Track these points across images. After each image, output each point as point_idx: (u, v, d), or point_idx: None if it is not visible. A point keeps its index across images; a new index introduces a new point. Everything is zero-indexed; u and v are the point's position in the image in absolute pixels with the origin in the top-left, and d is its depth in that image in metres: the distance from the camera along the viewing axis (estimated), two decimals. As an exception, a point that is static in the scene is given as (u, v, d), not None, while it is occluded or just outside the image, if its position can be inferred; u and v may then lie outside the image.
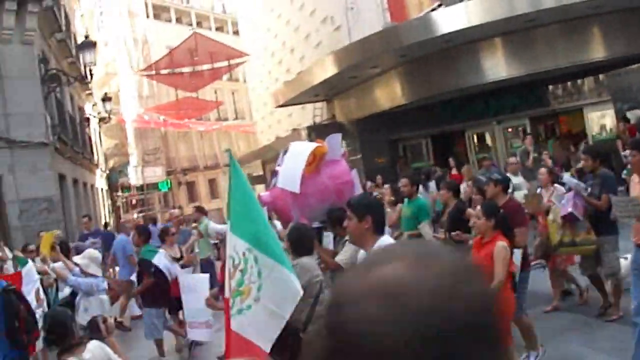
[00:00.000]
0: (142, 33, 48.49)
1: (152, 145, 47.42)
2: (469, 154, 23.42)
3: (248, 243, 4.78)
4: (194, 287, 7.92)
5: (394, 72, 22.04)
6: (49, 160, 16.59)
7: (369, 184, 17.07)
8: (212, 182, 53.43)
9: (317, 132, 23.97)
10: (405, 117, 22.71)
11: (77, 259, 8.19)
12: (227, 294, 4.85)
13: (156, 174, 46.73)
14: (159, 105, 41.54)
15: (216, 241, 13.09)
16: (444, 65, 19.89)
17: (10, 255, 13.48)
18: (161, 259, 9.43)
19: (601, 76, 20.11)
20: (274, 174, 8.76)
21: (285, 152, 8.67)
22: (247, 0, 41.70)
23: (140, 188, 44.85)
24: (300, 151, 8.37)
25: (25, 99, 15.98)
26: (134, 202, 39.44)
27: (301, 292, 4.69)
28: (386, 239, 4.31)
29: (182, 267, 10.19)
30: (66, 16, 23.14)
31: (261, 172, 41.40)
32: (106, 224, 22.58)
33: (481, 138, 24.14)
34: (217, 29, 53.14)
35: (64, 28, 20.14)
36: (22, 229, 15.28)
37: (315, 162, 8.10)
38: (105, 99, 27.43)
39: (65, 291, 8.89)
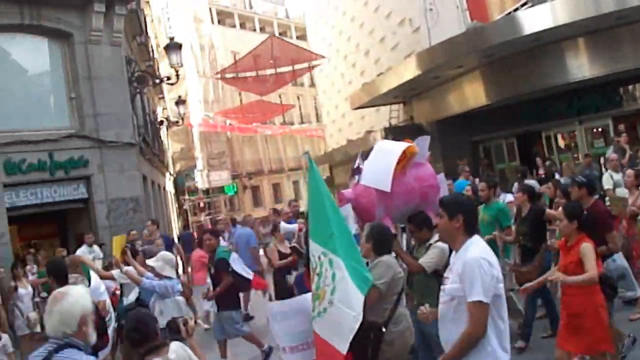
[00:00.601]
0: (208, 38, 48.74)
1: (217, 150, 47.56)
2: (551, 154, 22.57)
3: (323, 247, 4.99)
4: (288, 313, 7.26)
5: (477, 73, 21.52)
6: (136, 160, 16.45)
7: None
8: (276, 186, 53.36)
9: (394, 133, 23.58)
10: (486, 117, 22.15)
11: (151, 262, 7.87)
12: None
13: (221, 177, 46.84)
14: (228, 109, 41.64)
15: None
16: (528, 65, 19.34)
17: (101, 254, 13.37)
18: (235, 261, 9.41)
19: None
20: (355, 171, 8.30)
21: (364, 153, 8.36)
22: (316, 4, 41.48)
23: (206, 192, 45.01)
24: (391, 149, 7.99)
25: (114, 100, 15.84)
26: (201, 205, 39.48)
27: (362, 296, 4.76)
28: (476, 240, 4.19)
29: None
30: (145, 20, 23.19)
31: (328, 174, 41.18)
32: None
33: (562, 138, 23.22)
34: (281, 34, 53.02)
35: (144, 32, 20.13)
36: (109, 229, 15.11)
37: (404, 162, 7.83)
38: (179, 102, 27.45)
39: (131, 297, 8.56)
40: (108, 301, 8.31)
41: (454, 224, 4.16)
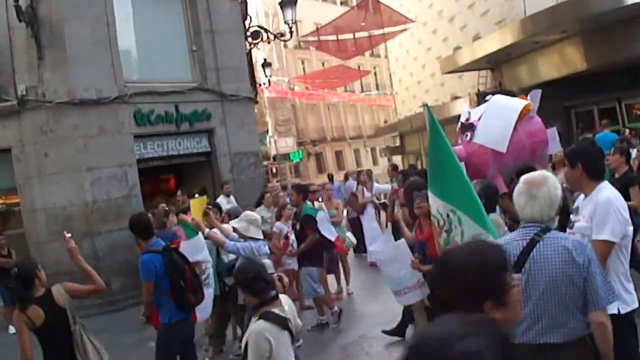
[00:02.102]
0: (272, 4, 48.05)
1: (283, 117, 47.21)
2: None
3: (451, 204, 4.94)
4: (394, 256, 6.95)
5: (577, 38, 20.88)
6: (254, 115, 16.14)
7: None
8: (338, 154, 52.99)
9: (482, 99, 22.92)
10: (579, 84, 21.43)
11: (234, 222, 7.44)
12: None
13: (287, 144, 46.53)
14: (308, 74, 41.20)
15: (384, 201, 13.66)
16: (629, 33, 18.77)
17: (232, 204, 12.97)
18: (322, 219, 9.17)
19: None
20: (465, 127, 7.77)
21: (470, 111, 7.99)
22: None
23: (273, 158, 44.76)
24: (509, 107, 7.77)
25: (233, 54, 15.54)
26: (273, 170, 39.19)
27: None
28: (606, 185, 4.36)
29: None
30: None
31: (398, 144, 40.61)
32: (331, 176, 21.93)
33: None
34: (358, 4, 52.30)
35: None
36: (232, 183, 14.83)
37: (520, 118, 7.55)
38: (266, 64, 27.03)
39: (231, 256, 8.07)
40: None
41: (576, 172, 4.37)
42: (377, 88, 55.28)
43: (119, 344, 8.82)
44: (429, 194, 5.34)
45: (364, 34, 24.84)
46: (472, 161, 6.97)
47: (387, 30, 24.46)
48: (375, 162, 52.62)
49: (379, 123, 52.84)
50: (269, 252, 7.54)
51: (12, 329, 11.63)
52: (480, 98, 23.82)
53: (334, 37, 24.15)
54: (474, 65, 25.18)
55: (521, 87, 23.77)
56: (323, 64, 46.50)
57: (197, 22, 14.95)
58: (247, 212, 7.61)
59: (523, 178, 3.75)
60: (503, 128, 7.34)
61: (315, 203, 11.38)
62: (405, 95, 40.75)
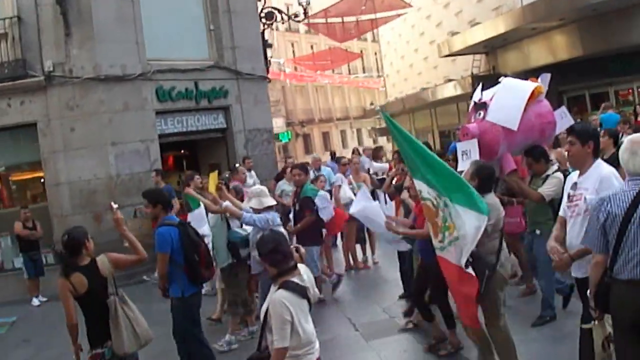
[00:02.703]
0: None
1: (273, 98, 47.16)
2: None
3: (433, 190, 5.38)
4: (373, 216, 7.77)
5: (573, 26, 21.43)
6: (267, 93, 16.38)
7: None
8: (325, 135, 53.26)
9: (479, 82, 23.31)
10: (572, 70, 21.85)
11: (245, 204, 7.68)
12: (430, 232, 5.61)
13: (277, 125, 46.57)
14: (303, 56, 41.30)
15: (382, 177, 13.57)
16: (622, 22, 19.51)
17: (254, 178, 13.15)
18: (321, 199, 9.25)
19: None
20: (478, 106, 8.07)
21: (483, 87, 8.21)
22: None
23: (263, 137, 44.85)
24: (521, 88, 7.83)
25: (249, 34, 15.77)
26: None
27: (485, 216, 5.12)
28: (601, 161, 4.69)
29: None
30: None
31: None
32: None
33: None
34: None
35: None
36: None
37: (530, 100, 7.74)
38: (267, 45, 27.06)
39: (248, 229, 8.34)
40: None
41: (586, 149, 4.61)
42: (364, 71, 55.56)
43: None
44: (415, 181, 5.69)
45: (368, 16, 25.09)
46: (484, 138, 7.18)
47: (384, 14, 24.73)
48: (360, 143, 52.92)
49: (365, 105, 53.21)
50: (281, 222, 7.70)
51: (35, 301, 11.89)
52: (475, 81, 24.33)
53: (339, 20, 24.33)
54: (471, 50, 25.61)
55: (515, 72, 24.27)
56: (312, 47, 46.66)
57: (215, 1, 15.11)
58: (252, 188, 7.87)
59: (629, 137, 4.15)
60: (514, 107, 7.53)
61: (342, 177, 11.73)
62: (396, 78, 41.11)
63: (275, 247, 4.13)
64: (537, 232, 6.93)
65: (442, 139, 30.99)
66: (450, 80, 28.47)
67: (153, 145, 13.59)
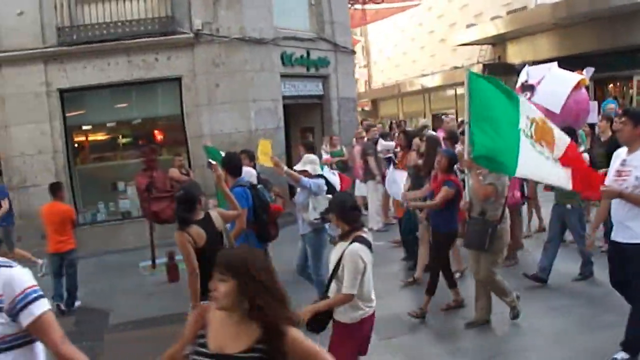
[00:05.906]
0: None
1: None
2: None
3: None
4: (396, 180, 8.98)
5: (586, 24, 22.61)
6: (354, 66, 17.27)
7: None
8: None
9: (488, 70, 24.62)
10: (581, 63, 23.19)
11: (298, 167, 7.79)
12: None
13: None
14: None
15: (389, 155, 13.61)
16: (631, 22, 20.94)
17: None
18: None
19: None
20: (525, 87, 9.18)
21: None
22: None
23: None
24: (568, 77, 9.04)
25: (342, 10, 16.73)
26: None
27: None
28: None
29: None
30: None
31: (368, 109, 42.01)
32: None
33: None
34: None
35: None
36: (338, 123, 16.12)
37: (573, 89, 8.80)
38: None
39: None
40: None
41: (637, 130, 4.98)
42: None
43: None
44: (521, 120, 5.80)
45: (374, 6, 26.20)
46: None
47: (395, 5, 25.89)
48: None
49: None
50: (326, 188, 7.77)
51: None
52: (485, 69, 25.57)
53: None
54: (481, 40, 26.83)
55: (522, 62, 25.73)
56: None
57: (314, -23, 15.89)
58: (307, 155, 7.97)
59: None
60: (560, 93, 8.46)
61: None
62: (386, 64, 41.98)
63: (353, 205, 4.48)
64: (568, 206, 7.53)
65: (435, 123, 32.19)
66: (457, 67, 29.59)
67: (279, 105, 14.41)
